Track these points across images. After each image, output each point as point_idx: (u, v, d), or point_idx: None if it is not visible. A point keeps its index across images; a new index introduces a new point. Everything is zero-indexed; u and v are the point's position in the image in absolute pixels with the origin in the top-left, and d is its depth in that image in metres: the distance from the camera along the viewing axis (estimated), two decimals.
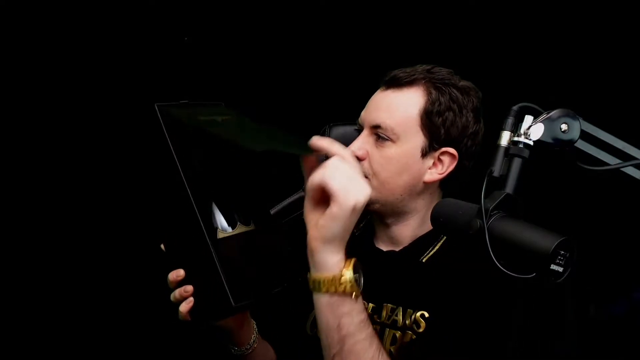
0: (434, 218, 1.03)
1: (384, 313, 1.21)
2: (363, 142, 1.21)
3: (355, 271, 0.99)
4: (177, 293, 1.04)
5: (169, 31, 1.91)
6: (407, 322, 1.17)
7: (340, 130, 1.52)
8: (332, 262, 0.98)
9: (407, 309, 1.19)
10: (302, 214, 1.06)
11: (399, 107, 1.20)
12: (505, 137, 1.00)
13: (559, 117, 0.99)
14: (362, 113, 1.25)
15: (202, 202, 1.00)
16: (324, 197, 0.97)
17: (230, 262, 0.99)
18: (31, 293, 1.89)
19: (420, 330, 1.16)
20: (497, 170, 0.99)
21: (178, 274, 1.03)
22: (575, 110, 1.00)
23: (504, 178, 0.98)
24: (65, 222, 1.92)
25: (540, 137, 0.98)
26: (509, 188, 0.97)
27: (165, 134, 1.00)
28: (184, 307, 1.03)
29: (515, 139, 0.99)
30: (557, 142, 0.99)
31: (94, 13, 1.86)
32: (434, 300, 1.17)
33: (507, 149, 1.00)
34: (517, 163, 0.98)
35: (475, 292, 1.14)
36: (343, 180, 0.95)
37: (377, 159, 1.20)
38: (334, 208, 0.95)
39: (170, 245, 1.05)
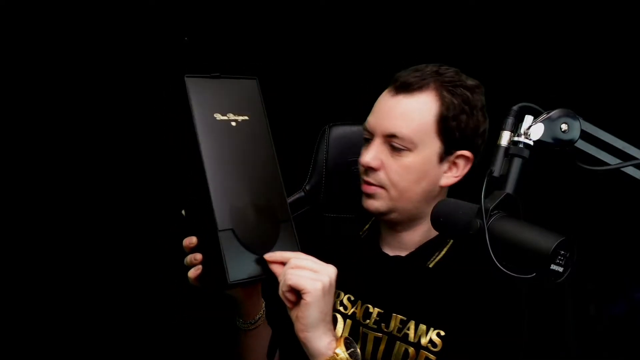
0: (434, 218, 1.02)
1: (392, 323, 1.20)
2: (377, 152, 1.18)
3: (348, 347, 1.05)
4: (188, 259, 1.10)
5: (169, 31, 1.91)
6: (422, 340, 1.17)
7: (339, 130, 1.52)
8: (323, 346, 1.04)
9: (419, 324, 1.18)
10: (301, 214, 1.08)
11: (414, 114, 1.17)
12: (505, 137, 1.00)
13: (559, 117, 0.99)
14: (371, 119, 1.20)
15: (217, 181, 1.05)
16: (295, 295, 1.04)
17: (234, 240, 1.06)
18: (31, 293, 1.89)
19: (437, 349, 1.16)
20: (497, 170, 0.98)
21: (191, 240, 1.09)
22: (575, 110, 1.00)
23: (504, 178, 0.98)
24: (65, 222, 1.92)
25: (540, 137, 0.98)
26: (509, 188, 0.97)
27: (190, 108, 1.06)
28: (192, 273, 1.09)
29: (515, 139, 0.99)
30: (557, 142, 0.99)
31: (93, 13, 1.85)
32: (448, 316, 1.16)
33: (507, 149, 0.99)
34: (517, 163, 0.98)
35: (489, 306, 1.15)
36: (304, 273, 1.03)
37: (394, 168, 1.17)
38: (306, 298, 1.02)
39: (189, 212, 1.12)
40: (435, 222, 1.03)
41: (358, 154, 1.46)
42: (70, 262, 1.92)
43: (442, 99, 1.17)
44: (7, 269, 1.85)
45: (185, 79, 1.07)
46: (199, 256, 1.08)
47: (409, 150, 1.16)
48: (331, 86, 1.92)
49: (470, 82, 1.21)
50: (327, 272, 1.04)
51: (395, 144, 1.16)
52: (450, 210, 1.01)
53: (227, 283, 1.03)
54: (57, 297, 1.91)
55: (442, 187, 1.21)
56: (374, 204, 1.21)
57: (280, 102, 1.93)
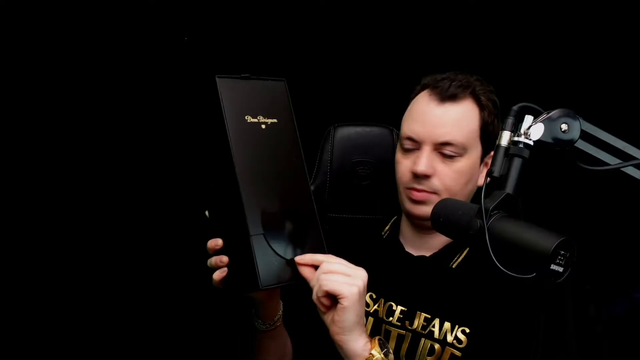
0: (434, 218, 1.03)
1: (416, 321, 1.23)
2: (429, 160, 1.22)
3: (382, 348, 1.06)
4: (213, 260, 1.09)
5: (169, 31, 1.91)
6: (447, 337, 1.20)
7: (344, 130, 1.52)
8: (359, 348, 1.05)
9: (444, 321, 1.21)
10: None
11: (464, 121, 1.22)
12: (505, 137, 1.00)
13: (559, 117, 0.99)
14: (418, 129, 1.23)
15: (248, 185, 1.04)
16: (330, 300, 1.05)
17: (265, 244, 1.05)
18: (31, 293, 1.89)
19: (463, 345, 1.19)
20: (497, 170, 0.99)
21: (217, 242, 1.09)
22: (575, 110, 1.00)
23: (504, 178, 0.98)
24: (65, 222, 1.93)
25: (541, 137, 0.98)
26: (509, 188, 0.97)
27: (221, 108, 1.04)
28: (217, 275, 1.08)
29: (516, 139, 0.99)
30: (557, 142, 0.99)
31: (93, 12, 1.86)
32: (472, 314, 1.20)
33: (507, 149, 1.00)
34: (517, 163, 0.98)
35: (511, 305, 1.18)
36: (339, 278, 1.03)
37: (447, 173, 1.22)
38: (343, 302, 1.03)
39: (214, 214, 1.11)
40: (435, 222, 1.03)
41: (362, 154, 1.47)
42: (85, 262, 1.92)
43: (480, 105, 1.24)
44: (11, 269, 1.86)
45: (217, 79, 1.06)
46: (225, 259, 1.08)
47: (460, 155, 1.22)
48: (336, 87, 1.92)
49: (488, 86, 1.29)
50: (360, 276, 1.05)
51: (447, 151, 1.22)
52: (450, 210, 1.01)
53: (258, 288, 1.02)
54: (63, 297, 1.91)
55: (479, 187, 1.28)
56: (425, 210, 1.23)
57: None
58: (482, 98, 1.24)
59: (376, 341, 1.07)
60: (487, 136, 1.25)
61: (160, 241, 1.93)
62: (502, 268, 0.91)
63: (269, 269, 1.04)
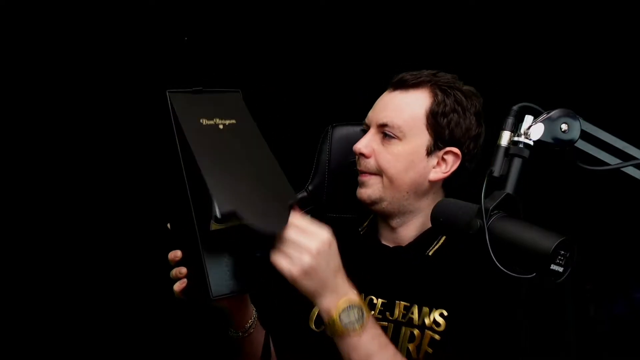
0: (434, 218, 1.03)
1: (396, 311, 1.23)
2: (369, 140, 1.27)
3: (348, 310, 1.03)
4: (173, 272, 1.10)
5: (169, 31, 1.91)
6: (425, 321, 1.20)
7: (342, 130, 1.52)
8: (324, 310, 1.03)
9: (422, 307, 1.21)
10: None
11: (406, 106, 1.25)
12: (505, 137, 1.00)
13: (559, 117, 0.99)
14: (370, 113, 1.30)
15: (199, 192, 1.00)
16: None
17: (218, 254, 1.02)
18: (31, 293, 1.89)
19: (441, 329, 1.19)
20: (497, 170, 0.99)
21: (176, 254, 1.09)
22: (575, 110, 1.00)
23: (504, 178, 0.98)
24: (65, 222, 1.92)
25: (541, 137, 0.98)
26: (509, 188, 0.97)
27: (171, 121, 1.01)
28: (177, 286, 1.08)
29: (516, 139, 1.00)
30: (557, 142, 0.99)
31: (93, 12, 1.86)
32: (449, 297, 1.20)
33: (507, 149, 1.00)
34: (517, 163, 0.98)
35: (487, 287, 1.18)
36: (288, 250, 0.99)
37: (383, 155, 1.25)
38: (287, 279, 1.00)
39: (173, 226, 1.11)
40: (435, 222, 1.03)
41: None
42: (72, 262, 1.92)
43: (434, 96, 1.25)
44: (8, 270, 1.86)
45: (168, 93, 1.02)
46: (184, 270, 1.07)
47: (398, 139, 1.24)
48: (334, 87, 1.92)
49: (467, 87, 1.29)
50: (309, 249, 0.99)
51: (386, 132, 1.25)
52: (450, 210, 1.01)
53: (209, 298, 1.01)
54: (58, 297, 1.91)
55: (431, 182, 1.27)
56: (366, 192, 1.27)
57: (283, 102, 1.94)
58: (438, 91, 1.25)
59: (340, 306, 1.02)
60: (438, 128, 1.24)
61: (146, 245, 1.92)
62: (502, 268, 0.91)
63: (220, 278, 1.01)
